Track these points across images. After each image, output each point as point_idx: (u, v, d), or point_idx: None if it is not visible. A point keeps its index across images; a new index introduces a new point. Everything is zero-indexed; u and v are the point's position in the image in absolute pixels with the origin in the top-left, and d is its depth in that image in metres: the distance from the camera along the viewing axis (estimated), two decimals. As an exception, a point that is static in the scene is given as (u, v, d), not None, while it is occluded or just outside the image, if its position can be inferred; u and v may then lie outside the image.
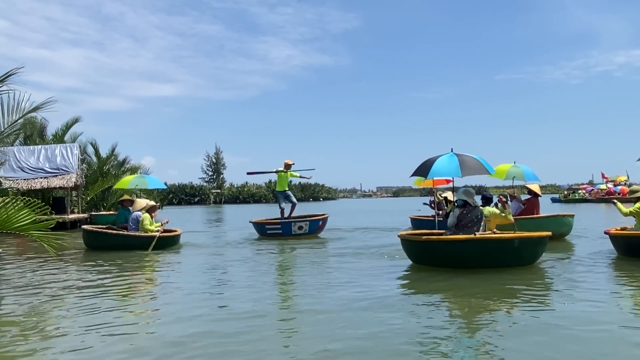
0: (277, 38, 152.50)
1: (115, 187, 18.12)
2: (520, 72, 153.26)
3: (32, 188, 20.61)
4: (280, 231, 14.50)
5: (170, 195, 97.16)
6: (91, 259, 10.50)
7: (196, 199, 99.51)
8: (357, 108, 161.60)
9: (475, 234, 8.08)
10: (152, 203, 12.52)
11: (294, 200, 15.22)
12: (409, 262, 8.87)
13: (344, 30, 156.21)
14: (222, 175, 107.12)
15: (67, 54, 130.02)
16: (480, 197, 9.79)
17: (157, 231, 12.17)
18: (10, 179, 20.15)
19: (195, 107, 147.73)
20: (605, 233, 9.64)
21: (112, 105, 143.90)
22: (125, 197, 13.57)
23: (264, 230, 14.69)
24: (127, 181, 14.51)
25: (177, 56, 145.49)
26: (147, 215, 12.20)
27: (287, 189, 15.17)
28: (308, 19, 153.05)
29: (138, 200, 12.60)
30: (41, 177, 20.48)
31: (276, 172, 15.19)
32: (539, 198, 12.99)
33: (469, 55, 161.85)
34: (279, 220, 14.84)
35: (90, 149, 27.45)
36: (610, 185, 53.46)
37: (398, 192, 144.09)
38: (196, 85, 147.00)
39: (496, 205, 9.86)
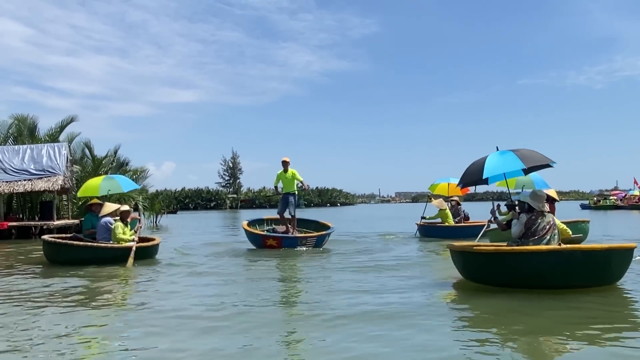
0: (297, 44, 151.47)
1: (79, 194, 14.90)
2: (542, 77, 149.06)
3: (15, 191, 18.66)
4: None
5: (187, 200, 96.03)
6: (43, 278, 8.30)
7: (212, 204, 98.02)
8: (376, 113, 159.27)
9: (560, 244, 6.45)
10: (125, 207, 10.32)
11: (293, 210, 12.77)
12: (454, 279, 7.30)
13: (363, 36, 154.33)
14: (238, 180, 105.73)
15: (91, 61, 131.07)
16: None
17: (133, 240, 10.02)
18: (-10, 181, 18.22)
19: (215, 112, 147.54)
20: None
21: (135, 111, 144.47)
22: (94, 201, 11.32)
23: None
24: (95, 186, 11.82)
25: (199, 63, 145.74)
26: (119, 223, 10.00)
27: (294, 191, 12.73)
28: (328, 25, 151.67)
29: (107, 204, 10.37)
30: (25, 180, 18.49)
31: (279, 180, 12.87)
32: (555, 204, 12.15)
33: (491, 60, 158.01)
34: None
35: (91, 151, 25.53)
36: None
37: (417, 198, 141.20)
38: (217, 91, 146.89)
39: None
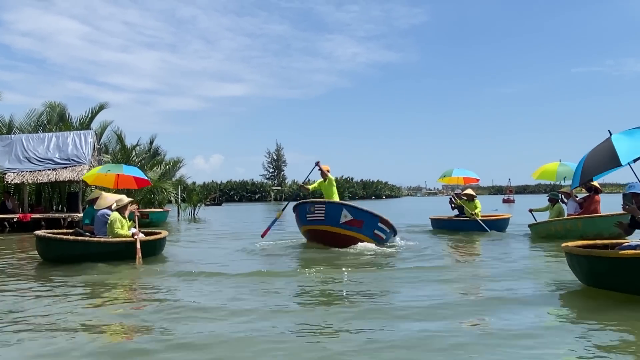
0: (343, 36, 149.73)
1: (82, 178, 14.53)
2: (598, 65, 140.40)
3: (39, 181, 17.79)
4: None
5: (232, 192, 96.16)
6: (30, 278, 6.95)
7: (257, 196, 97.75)
8: (423, 104, 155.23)
9: None
10: (124, 199, 8.88)
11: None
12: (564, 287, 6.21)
13: (411, 26, 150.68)
14: (282, 172, 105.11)
15: (143, 56, 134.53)
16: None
17: (133, 235, 8.62)
18: (14, 170, 17.41)
19: (262, 106, 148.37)
20: None
21: (185, 105, 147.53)
22: (96, 192, 9.93)
23: None
24: (97, 169, 11.06)
25: (246, 56, 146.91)
26: (116, 215, 8.59)
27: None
28: (374, 16, 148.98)
29: (104, 194, 8.99)
30: (49, 169, 17.57)
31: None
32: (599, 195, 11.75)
33: (544, 48, 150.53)
34: None
35: (132, 140, 24.72)
36: None
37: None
38: (264, 85, 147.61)
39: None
